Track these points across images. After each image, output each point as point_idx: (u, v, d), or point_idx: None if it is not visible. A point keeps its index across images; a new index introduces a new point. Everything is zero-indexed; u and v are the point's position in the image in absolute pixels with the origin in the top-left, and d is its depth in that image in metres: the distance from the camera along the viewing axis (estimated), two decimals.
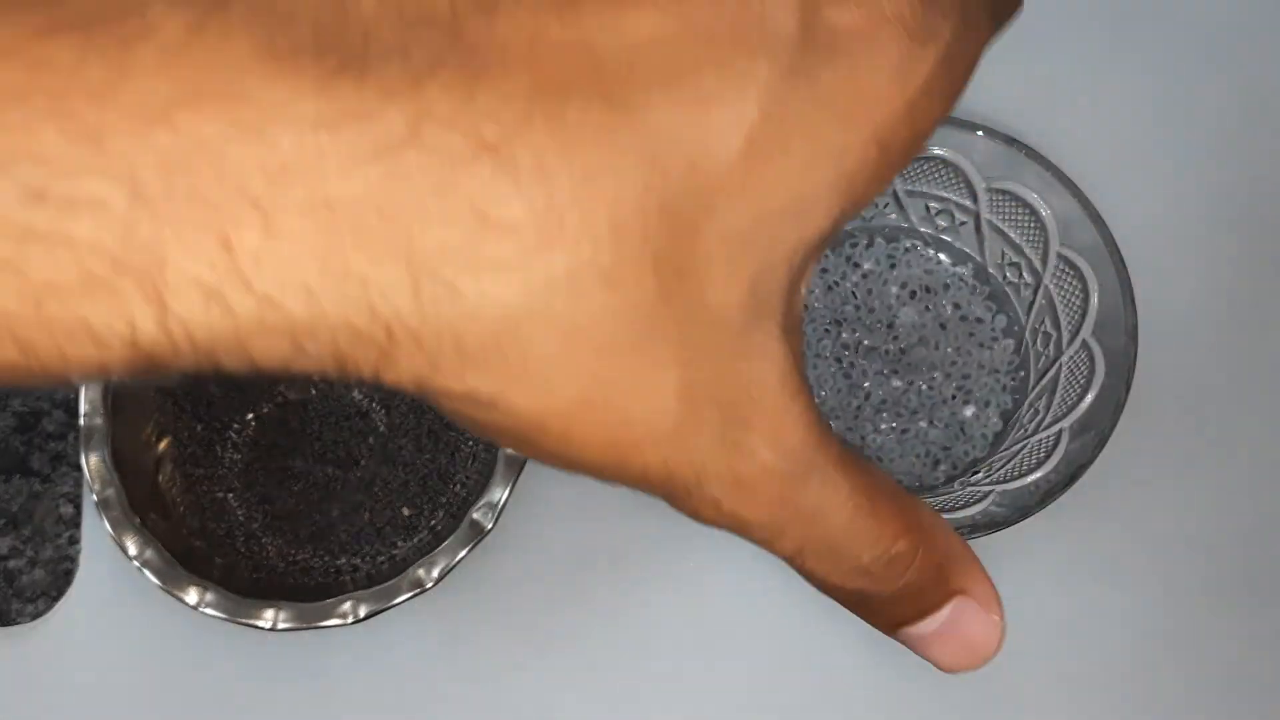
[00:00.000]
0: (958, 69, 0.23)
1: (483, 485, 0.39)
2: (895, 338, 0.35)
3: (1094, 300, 0.33)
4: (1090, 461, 0.32)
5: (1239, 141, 0.45)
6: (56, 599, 0.42)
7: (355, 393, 0.44)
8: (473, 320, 0.20)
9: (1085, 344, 0.33)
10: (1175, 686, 0.41)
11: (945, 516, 0.32)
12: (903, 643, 0.27)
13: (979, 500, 0.32)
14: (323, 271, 0.18)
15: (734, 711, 0.41)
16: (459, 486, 0.42)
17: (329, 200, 0.18)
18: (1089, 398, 0.33)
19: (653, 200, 0.21)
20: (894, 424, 0.35)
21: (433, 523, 0.42)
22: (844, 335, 0.35)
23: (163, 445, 0.42)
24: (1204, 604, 0.42)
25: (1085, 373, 0.33)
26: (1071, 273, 0.33)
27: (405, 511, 0.42)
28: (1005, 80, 0.45)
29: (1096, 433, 0.32)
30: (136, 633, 0.41)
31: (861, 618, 0.27)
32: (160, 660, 0.41)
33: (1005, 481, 0.33)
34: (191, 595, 0.38)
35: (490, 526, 0.39)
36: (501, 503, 0.39)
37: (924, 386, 0.35)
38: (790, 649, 0.42)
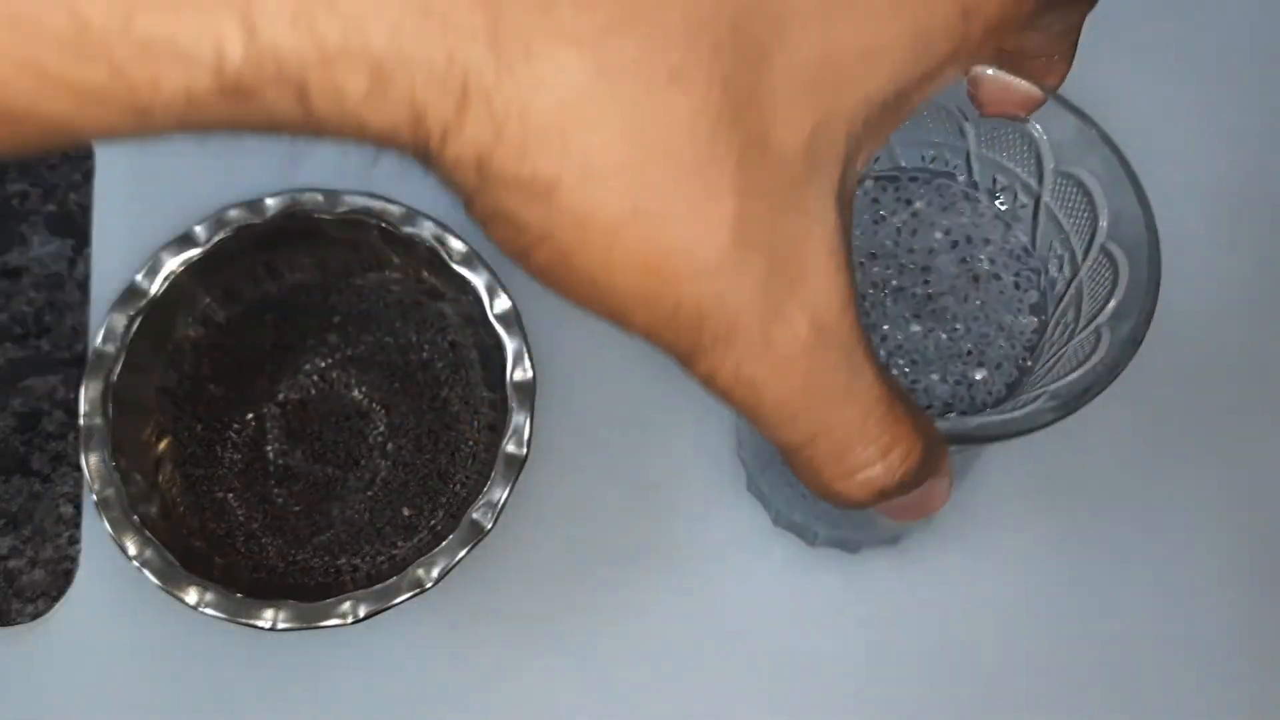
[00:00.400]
0: None
1: (482, 485, 0.39)
2: (926, 282, 0.35)
3: (1122, 285, 0.32)
4: (1140, 340, 0.30)
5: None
6: (56, 599, 0.42)
7: (355, 393, 0.44)
8: (543, 90, 0.19)
9: (1099, 328, 0.33)
10: (1182, 681, 0.41)
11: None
12: (879, 509, 0.26)
13: (1030, 404, 0.32)
14: (406, 5, 0.18)
15: (734, 711, 0.41)
16: (459, 486, 0.42)
17: None
18: (1115, 299, 0.32)
19: (727, 12, 0.20)
20: (906, 371, 0.35)
21: (432, 523, 0.42)
22: (876, 270, 0.35)
23: (163, 445, 0.42)
24: (1208, 598, 0.42)
25: (1109, 280, 0.32)
26: (1107, 264, 0.32)
27: (405, 511, 0.42)
28: None
29: (1136, 317, 0.31)
30: (136, 633, 0.41)
31: (887, 512, 0.26)
32: (160, 660, 0.41)
33: (1053, 382, 0.32)
34: (191, 595, 0.38)
35: (490, 526, 0.39)
36: (501, 503, 0.39)
37: (942, 337, 0.35)
38: (790, 649, 0.42)
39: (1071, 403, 0.30)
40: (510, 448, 0.39)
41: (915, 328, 0.35)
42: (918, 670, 0.41)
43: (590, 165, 0.20)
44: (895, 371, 0.34)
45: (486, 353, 0.42)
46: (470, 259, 0.41)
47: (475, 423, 0.42)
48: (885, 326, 0.35)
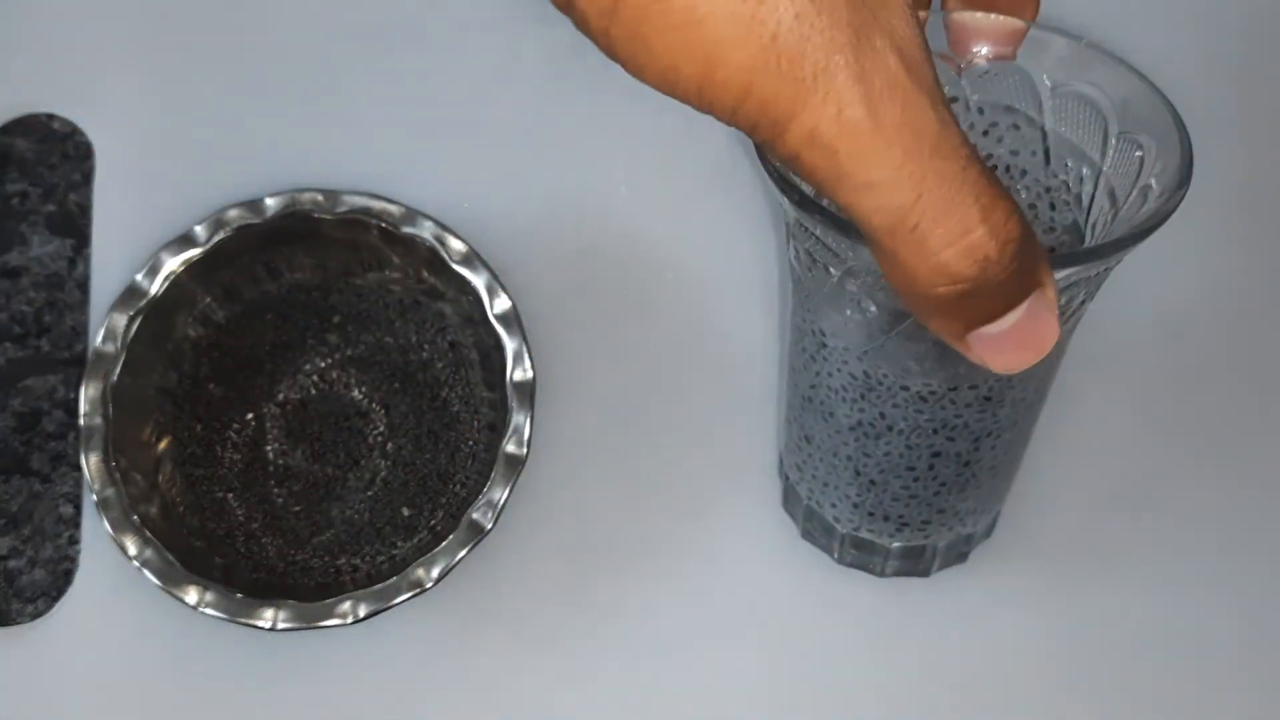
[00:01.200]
0: None
1: (482, 485, 0.39)
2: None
3: (1150, 156, 0.31)
4: (1189, 173, 0.29)
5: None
6: (56, 599, 0.42)
7: (355, 393, 0.44)
8: None
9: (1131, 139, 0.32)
10: (1189, 684, 0.41)
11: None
12: (966, 348, 0.25)
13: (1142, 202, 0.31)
14: None
15: (735, 711, 0.41)
16: (459, 486, 0.42)
17: None
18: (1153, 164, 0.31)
19: None
20: None
21: (432, 523, 0.42)
22: None
23: (162, 445, 0.42)
24: (1209, 599, 0.42)
25: (1135, 163, 0.32)
26: (1130, 148, 0.32)
27: (405, 511, 0.42)
28: None
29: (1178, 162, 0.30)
30: (136, 633, 0.42)
31: (929, 324, 0.25)
32: (160, 660, 0.41)
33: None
34: (191, 595, 0.38)
35: (490, 527, 0.39)
36: (501, 503, 0.39)
37: None
38: (791, 649, 0.42)
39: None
40: (510, 448, 0.40)
41: None
42: (919, 671, 0.41)
43: None
44: None
45: (486, 353, 0.42)
46: (470, 259, 0.41)
47: (475, 423, 0.43)
48: None
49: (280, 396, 0.44)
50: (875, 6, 0.22)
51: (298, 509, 0.43)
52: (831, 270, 0.32)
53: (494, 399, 0.41)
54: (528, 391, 0.40)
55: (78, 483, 0.43)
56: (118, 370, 0.40)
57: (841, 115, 0.22)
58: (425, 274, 0.42)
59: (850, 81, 0.22)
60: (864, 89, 0.22)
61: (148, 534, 0.39)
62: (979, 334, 0.25)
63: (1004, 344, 0.25)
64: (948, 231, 0.23)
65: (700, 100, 0.23)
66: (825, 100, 0.22)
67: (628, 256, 0.46)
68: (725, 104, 0.22)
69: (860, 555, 0.41)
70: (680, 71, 0.22)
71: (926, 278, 0.24)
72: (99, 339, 0.40)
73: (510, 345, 0.40)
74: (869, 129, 0.22)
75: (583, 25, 0.22)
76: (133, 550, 0.39)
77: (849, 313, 0.33)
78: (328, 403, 0.44)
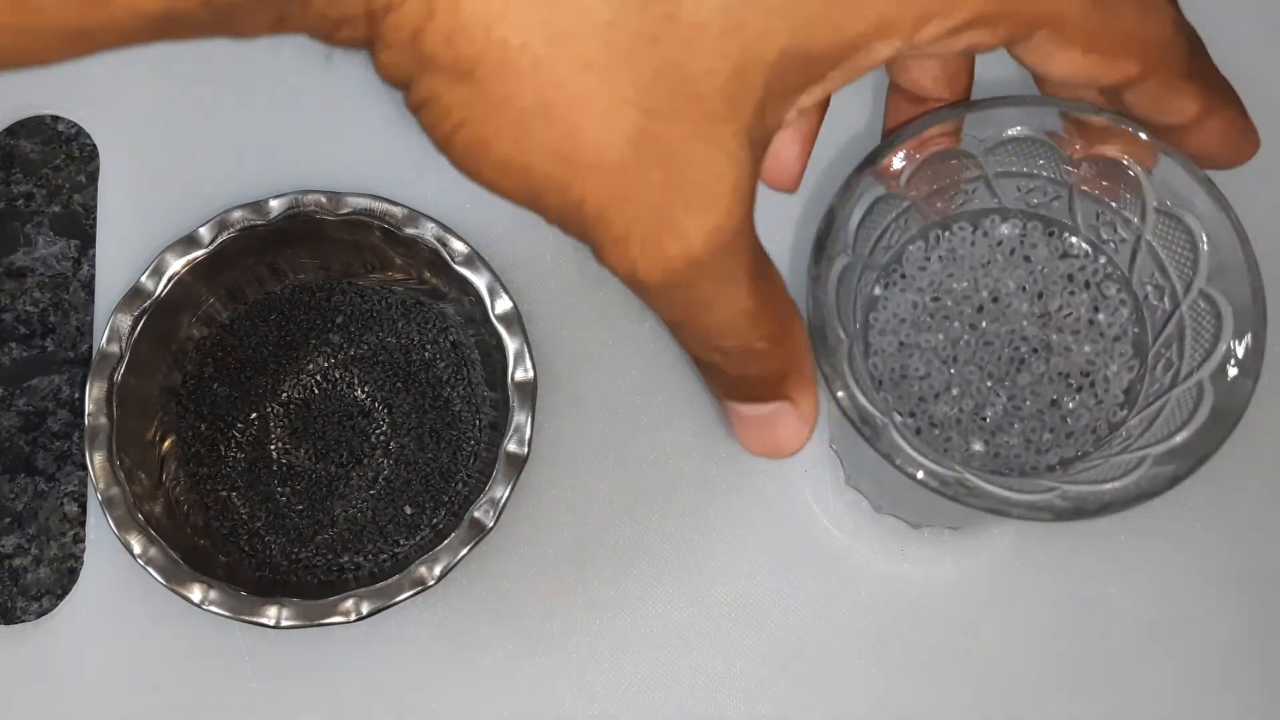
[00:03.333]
0: None
1: (484, 484, 0.39)
2: (1011, 331, 0.35)
3: (1226, 332, 0.32)
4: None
5: None
6: (61, 597, 0.42)
7: (358, 392, 0.44)
8: None
9: (1200, 384, 0.33)
10: (1188, 684, 0.41)
11: (1011, 494, 0.31)
12: (725, 412, 0.30)
13: (1045, 491, 0.32)
14: None
15: (735, 709, 0.41)
16: (461, 485, 0.42)
17: None
18: (1183, 436, 0.32)
19: None
20: (984, 422, 0.35)
21: (435, 521, 0.42)
22: (954, 312, 0.35)
23: (167, 444, 0.42)
24: (1211, 600, 0.42)
25: (1189, 410, 0.32)
26: (1209, 310, 0.33)
27: (407, 510, 0.43)
28: None
29: (1177, 470, 0.31)
30: (140, 631, 0.42)
31: (702, 378, 0.29)
32: (164, 658, 0.42)
33: (1156, 444, 0.32)
34: (195, 593, 0.38)
35: (492, 525, 0.39)
36: (503, 501, 0.39)
37: (1024, 392, 0.35)
38: (791, 647, 0.42)
39: (1184, 465, 0.31)
40: (512, 446, 0.40)
41: (993, 380, 0.35)
42: (919, 670, 0.42)
43: (508, 56, 0.22)
44: (977, 427, 0.34)
45: (488, 352, 0.42)
46: (472, 260, 0.41)
47: (477, 422, 0.43)
48: (965, 376, 0.35)
49: (284, 396, 0.44)
50: (691, 200, 0.24)
51: (301, 507, 0.43)
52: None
53: (496, 398, 0.42)
54: (529, 391, 0.40)
55: (82, 481, 0.43)
56: (122, 370, 0.40)
57: (637, 269, 0.25)
58: (427, 274, 0.42)
59: (646, 249, 0.25)
60: (659, 259, 0.25)
61: (152, 532, 0.39)
62: (731, 405, 0.29)
63: (750, 427, 0.30)
64: (700, 344, 0.27)
65: (523, 207, 0.25)
66: (623, 258, 0.25)
67: None
68: (543, 217, 0.25)
69: None
70: (500, 193, 0.25)
71: (690, 353, 0.28)
72: (104, 339, 0.40)
73: (512, 345, 0.40)
74: (656, 286, 0.25)
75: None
76: (137, 548, 0.39)
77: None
78: (331, 402, 0.44)
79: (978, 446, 0.34)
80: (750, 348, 0.27)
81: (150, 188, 0.46)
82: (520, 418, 0.40)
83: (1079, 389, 0.34)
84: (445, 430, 0.43)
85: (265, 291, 0.43)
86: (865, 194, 0.32)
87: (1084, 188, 0.34)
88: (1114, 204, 0.34)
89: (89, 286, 0.45)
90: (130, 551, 0.39)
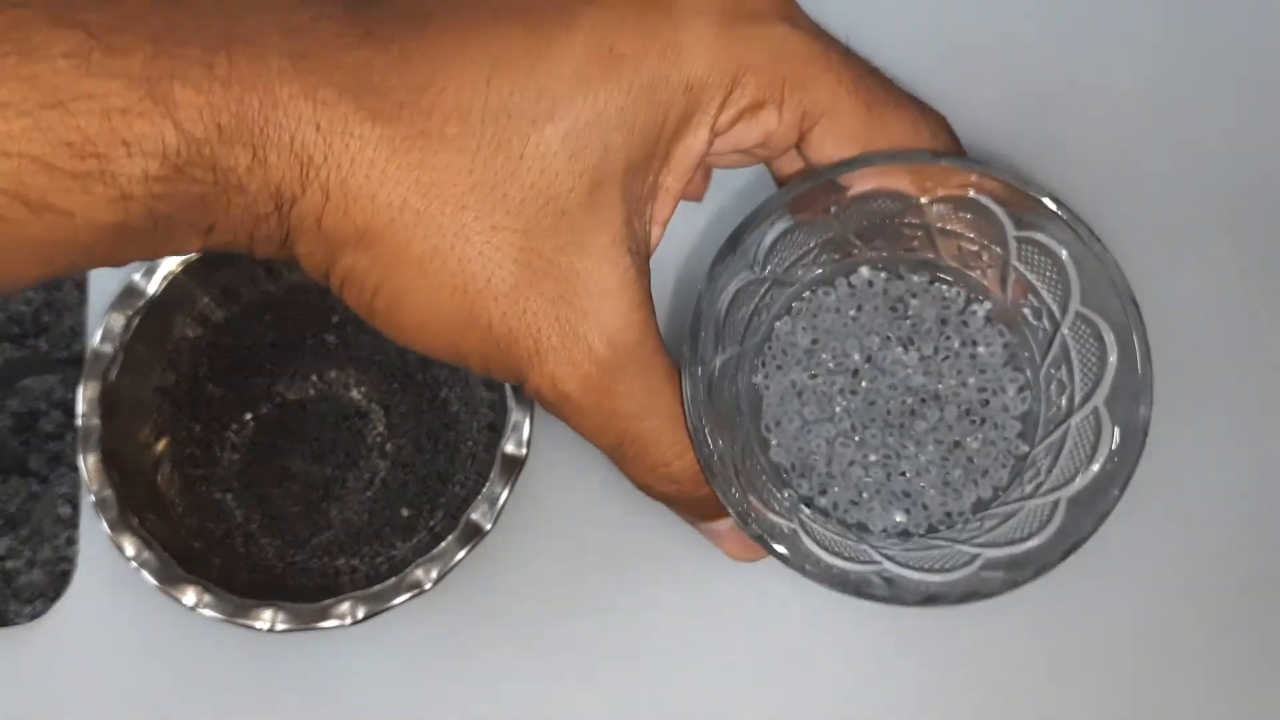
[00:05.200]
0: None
1: (481, 485, 0.39)
2: (909, 389, 0.35)
3: (1111, 364, 0.33)
4: (1088, 537, 0.32)
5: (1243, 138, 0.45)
6: (54, 600, 0.42)
7: (354, 393, 0.44)
8: (356, 163, 0.26)
9: (1096, 411, 0.33)
10: (1186, 689, 0.41)
11: (931, 578, 0.32)
12: (703, 533, 0.34)
13: (966, 563, 0.32)
14: (262, 101, 0.26)
15: (734, 712, 0.41)
16: (458, 487, 0.42)
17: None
18: (1092, 471, 0.33)
19: (499, 95, 0.27)
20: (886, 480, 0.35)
21: (431, 523, 0.42)
22: (862, 370, 0.36)
23: (161, 446, 0.42)
24: (1207, 608, 0.42)
25: (1091, 440, 0.33)
26: (1090, 331, 0.33)
27: (404, 512, 0.42)
28: (995, 91, 0.45)
29: (1097, 508, 0.32)
30: (134, 634, 0.41)
31: (674, 511, 0.33)
32: (158, 661, 0.41)
33: (996, 546, 0.33)
34: (189, 596, 0.38)
35: (489, 527, 0.39)
36: (501, 503, 0.39)
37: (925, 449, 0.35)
38: (791, 650, 0.42)
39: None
40: (509, 448, 0.39)
41: (894, 437, 0.35)
42: (920, 670, 0.41)
43: (394, 215, 0.27)
44: (895, 490, 0.35)
45: None
46: None
47: (474, 423, 0.42)
48: (866, 441, 0.35)
49: (279, 397, 0.44)
50: (585, 308, 0.28)
51: (296, 510, 0.42)
52: None
53: (493, 399, 0.41)
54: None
55: (75, 483, 0.43)
56: (116, 370, 0.40)
57: (555, 385, 0.29)
58: None
59: (559, 363, 0.28)
60: (573, 370, 0.28)
61: (146, 535, 0.39)
62: (705, 525, 0.34)
63: (724, 540, 0.34)
64: (641, 467, 0.31)
65: (456, 362, 0.29)
66: (541, 375, 0.29)
67: None
68: (474, 368, 0.29)
69: None
70: (431, 350, 0.29)
71: (643, 488, 0.32)
72: (97, 339, 0.40)
73: None
74: (577, 399, 0.29)
75: None
76: (131, 551, 0.38)
77: None
78: (326, 403, 0.44)
79: (898, 517, 0.35)
80: (697, 467, 0.30)
81: None
82: (518, 418, 0.40)
83: (979, 423, 0.35)
84: (442, 431, 0.43)
85: (260, 291, 0.43)
86: (731, 282, 0.33)
87: (939, 225, 0.34)
88: (975, 236, 0.34)
89: (82, 285, 0.45)
90: (124, 554, 0.38)
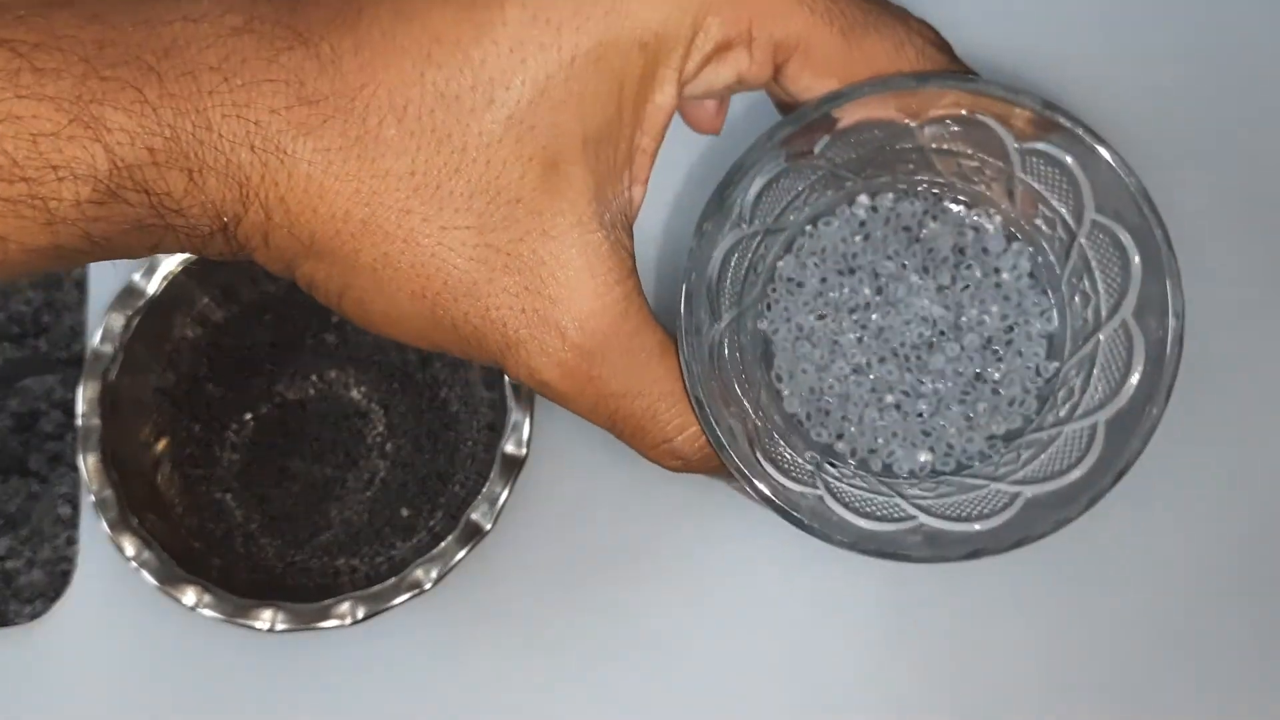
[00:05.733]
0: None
1: (481, 485, 0.39)
2: (926, 320, 0.33)
3: (1136, 273, 0.31)
4: (1134, 460, 0.29)
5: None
6: (54, 600, 0.42)
7: (354, 393, 0.44)
8: (294, 179, 0.26)
9: (1125, 324, 0.31)
10: (1187, 687, 0.41)
11: (973, 527, 0.30)
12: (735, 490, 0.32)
13: (1007, 505, 0.31)
14: (196, 124, 0.25)
15: (735, 710, 0.41)
16: (458, 487, 0.42)
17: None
18: (1129, 389, 0.30)
19: (432, 90, 0.26)
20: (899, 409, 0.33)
21: (431, 523, 0.42)
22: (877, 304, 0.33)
23: (161, 446, 0.42)
24: (1211, 602, 0.42)
25: (1124, 356, 0.31)
26: (1109, 240, 0.31)
27: (404, 512, 0.42)
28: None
29: (1138, 429, 0.30)
30: (134, 634, 0.41)
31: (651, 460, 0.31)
32: (158, 661, 0.41)
33: (1037, 482, 0.31)
34: (189, 596, 0.38)
35: (489, 527, 0.39)
36: (501, 502, 0.39)
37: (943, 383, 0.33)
38: (791, 648, 0.41)
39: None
40: (509, 448, 0.39)
41: (911, 373, 0.33)
42: (920, 670, 0.41)
43: (338, 227, 0.26)
44: (915, 429, 0.33)
45: None
46: None
47: (474, 423, 0.42)
48: (883, 379, 0.33)
49: (279, 397, 0.44)
50: (554, 295, 0.27)
51: (296, 510, 0.42)
52: None
53: (493, 399, 0.41)
54: (527, 391, 0.40)
55: (75, 483, 0.43)
56: (116, 370, 0.40)
57: (534, 374, 0.28)
58: None
59: (533, 353, 0.27)
60: (548, 358, 0.27)
61: (145, 535, 0.39)
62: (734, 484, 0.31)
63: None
64: (644, 443, 0.29)
65: (439, 351, 0.29)
66: (517, 365, 0.28)
67: None
68: (456, 355, 0.29)
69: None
70: (409, 343, 0.28)
71: (654, 462, 0.30)
72: (97, 339, 0.40)
73: None
74: (560, 384, 0.28)
75: None
76: (131, 551, 0.38)
77: None
78: (326, 403, 0.44)
79: (923, 456, 0.33)
80: (700, 442, 0.29)
81: None
82: (518, 418, 0.40)
83: (1002, 352, 0.33)
84: (442, 431, 0.43)
85: (260, 291, 0.43)
86: (719, 242, 0.31)
87: (935, 146, 0.32)
88: (975, 151, 0.32)
89: (82, 285, 0.45)
90: (124, 554, 0.38)
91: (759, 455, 0.31)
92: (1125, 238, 0.31)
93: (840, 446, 0.33)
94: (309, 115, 0.25)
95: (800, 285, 0.33)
